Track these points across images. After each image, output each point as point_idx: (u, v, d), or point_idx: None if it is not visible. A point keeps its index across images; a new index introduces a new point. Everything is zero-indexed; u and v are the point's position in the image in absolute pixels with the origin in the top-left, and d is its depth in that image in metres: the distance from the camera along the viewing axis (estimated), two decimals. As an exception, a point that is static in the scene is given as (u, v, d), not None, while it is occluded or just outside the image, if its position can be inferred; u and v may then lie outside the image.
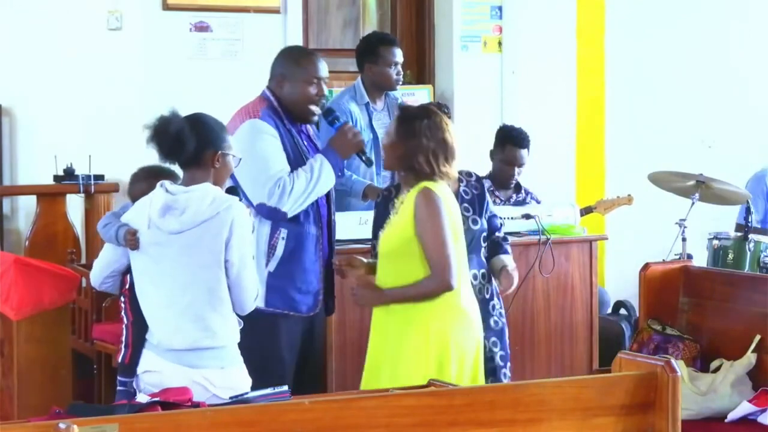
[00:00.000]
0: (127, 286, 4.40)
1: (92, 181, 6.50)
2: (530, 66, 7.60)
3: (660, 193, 6.72)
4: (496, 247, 5.04)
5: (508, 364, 4.98)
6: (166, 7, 6.98)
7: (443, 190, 4.47)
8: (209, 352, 4.08)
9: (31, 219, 6.55)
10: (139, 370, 4.20)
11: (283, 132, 4.86)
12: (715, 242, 6.36)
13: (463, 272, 4.52)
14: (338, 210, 5.74)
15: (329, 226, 5.03)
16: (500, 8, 7.61)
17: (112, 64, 6.82)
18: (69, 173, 6.56)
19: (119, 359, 4.55)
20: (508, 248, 5.06)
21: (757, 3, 8.26)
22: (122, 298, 4.46)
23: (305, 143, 4.96)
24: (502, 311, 5.01)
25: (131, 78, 6.84)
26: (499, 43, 7.63)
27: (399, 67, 6.26)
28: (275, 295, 4.80)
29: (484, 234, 4.95)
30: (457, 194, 4.88)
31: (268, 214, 4.76)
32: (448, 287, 4.41)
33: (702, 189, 6.45)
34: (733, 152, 7.94)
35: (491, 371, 4.86)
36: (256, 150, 4.74)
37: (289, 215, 4.78)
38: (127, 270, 4.34)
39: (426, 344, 4.43)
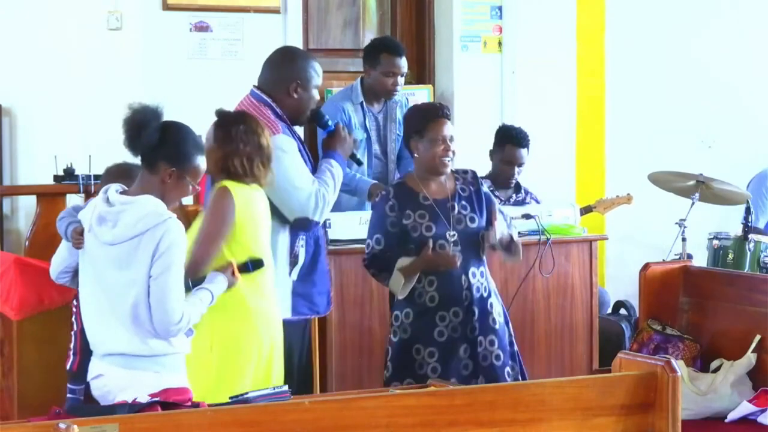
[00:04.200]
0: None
1: (92, 181, 6.48)
2: (530, 66, 7.59)
3: (660, 193, 6.72)
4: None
5: (510, 362, 4.96)
6: (166, 7, 6.97)
7: (247, 193, 4.43)
8: (144, 358, 3.94)
9: (31, 219, 6.54)
10: (89, 376, 4.07)
11: (297, 139, 4.86)
12: (715, 242, 6.37)
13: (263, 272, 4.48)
14: (340, 209, 5.76)
15: None
16: (500, 8, 7.61)
17: (112, 64, 6.81)
18: (69, 173, 6.55)
19: (67, 366, 4.51)
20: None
21: (757, 3, 8.26)
22: (75, 302, 4.34)
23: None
24: (501, 309, 5.00)
25: (131, 78, 6.84)
26: (499, 43, 7.63)
27: (399, 78, 6.22)
28: (301, 302, 4.80)
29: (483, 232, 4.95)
30: (454, 193, 4.91)
31: (305, 226, 4.76)
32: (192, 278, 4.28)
33: (702, 189, 6.46)
34: (733, 152, 7.94)
35: (486, 370, 4.86)
36: (291, 167, 4.71)
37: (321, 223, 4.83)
38: None
39: (209, 346, 4.39)
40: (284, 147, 4.72)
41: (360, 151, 6.17)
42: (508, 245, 4.90)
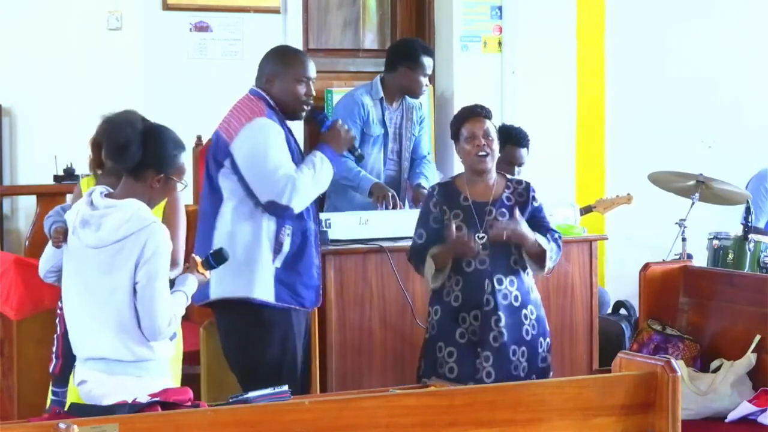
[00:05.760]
0: None
1: (92, 181, 6.49)
2: (530, 66, 7.60)
3: (660, 193, 6.72)
4: None
5: (535, 377, 4.97)
6: (166, 7, 6.98)
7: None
8: (126, 363, 3.93)
9: (31, 219, 6.55)
10: (75, 381, 4.05)
11: (285, 129, 4.88)
12: (715, 242, 6.36)
13: None
14: (339, 210, 5.76)
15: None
16: (500, 8, 7.61)
17: (112, 64, 6.82)
18: (69, 173, 6.55)
19: (50, 369, 4.48)
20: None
21: (758, 3, 8.27)
22: (60, 304, 4.32)
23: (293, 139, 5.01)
24: (537, 323, 4.97)
25: (131, 78, 6.84)
26: (499, 43, 7.63)
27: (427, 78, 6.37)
28: (284, 290, 4.83)
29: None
30: (497, 199, 4.94)
31: (276, 211, 4.78)
32: None
33: (702, 189, 6.46)
34: (733, 152, 7.94)
35: (513, 380, 4.83)
36: (266, 148, 4.76)
37: (296, 212, 4.80)
38: None
39: None
40: (270, 127, 4.78)
41: (376, 146, 6.23)
42: (537, 256, 4.88)
